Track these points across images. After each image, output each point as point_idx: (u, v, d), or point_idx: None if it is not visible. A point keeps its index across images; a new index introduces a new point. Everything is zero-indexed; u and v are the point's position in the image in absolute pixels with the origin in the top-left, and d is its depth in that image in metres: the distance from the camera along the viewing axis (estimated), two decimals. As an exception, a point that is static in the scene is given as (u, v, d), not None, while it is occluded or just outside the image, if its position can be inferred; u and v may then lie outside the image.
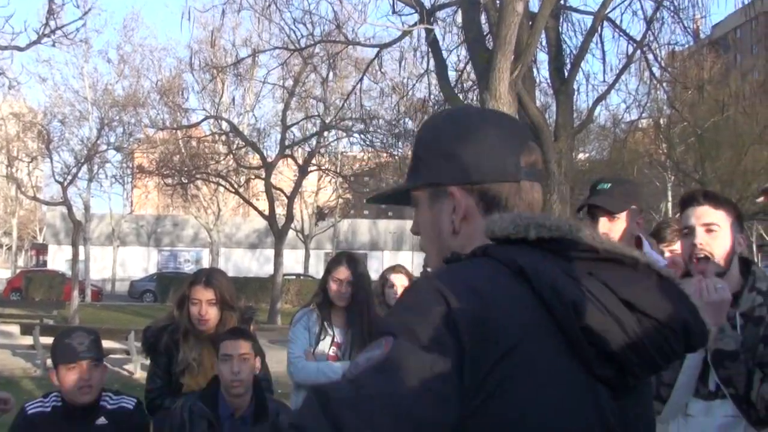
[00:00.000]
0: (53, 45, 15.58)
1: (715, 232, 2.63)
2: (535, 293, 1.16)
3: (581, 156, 30.55)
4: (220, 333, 3.71)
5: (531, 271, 1.17)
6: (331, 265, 4.36)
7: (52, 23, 13.92)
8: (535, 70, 12.54)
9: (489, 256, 1.22)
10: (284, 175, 35.02)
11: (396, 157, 26.37)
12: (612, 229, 3.07)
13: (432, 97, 15.70)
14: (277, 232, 26.11)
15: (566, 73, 11.61)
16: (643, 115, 20.95)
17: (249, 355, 3.47)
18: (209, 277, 3.94)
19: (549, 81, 12.81)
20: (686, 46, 16.42)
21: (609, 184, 3.18)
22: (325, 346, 4.29)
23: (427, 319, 1.13)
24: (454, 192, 1.33)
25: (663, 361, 1.19)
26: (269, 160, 26.27)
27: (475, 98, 14.12)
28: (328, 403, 1.09)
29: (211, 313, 3.85)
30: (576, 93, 13.03)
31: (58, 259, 49.04)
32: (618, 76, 13.57)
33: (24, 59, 44.11)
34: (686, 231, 2.70)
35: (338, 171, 32.66)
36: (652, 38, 13.81)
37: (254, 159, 29.01)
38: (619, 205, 3.10)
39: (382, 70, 18.46)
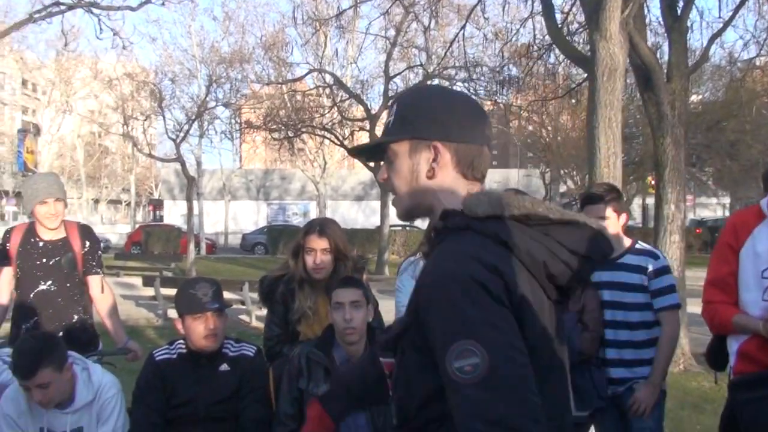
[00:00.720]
0: (162, 4, 16.02)
1: None
2: (514, 254, 1.62)
3: (693, 98, 29.25)
4: (334, 281, 3.77)
5: (511, 243, 1.62)
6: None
7: (160, -17, 14.27)
8: (645, 9, 11.97)
9: (473, 231, 1.64)
10: (388, 126, 34.93)
11: (500, 105, 25.95)
12: None
13: (536, 41, 15.27)
14: (382, 184, 26.20)
15: (679, 10, 11.04)
16: (762, 52, 19.74)
17: (361, 302, 3.50)
18: (323, 226, 3.99)
19: (661, 19, 12.24)
20: (810, -25, 15.36)
21: None
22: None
23: (485, 308, 1.53)
24: (437, 145, 1.71)
25: (588, 280, 1.85)
26: (373, 111, 26.27)
27: (582, 41, 13.68)
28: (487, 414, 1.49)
29: (326, 262, 3.92)
30: (689, 31, 12.40)
31: (174, 213, 50.88)
32: (735, 11, 12.73)
33: (135, 19, 45.58)
34: None
35: (442, 120, 32.33)
36: (772, -31, 12.97)
37: (358, 111, 29.11)
38: None
39: (485, 15, 18.05)
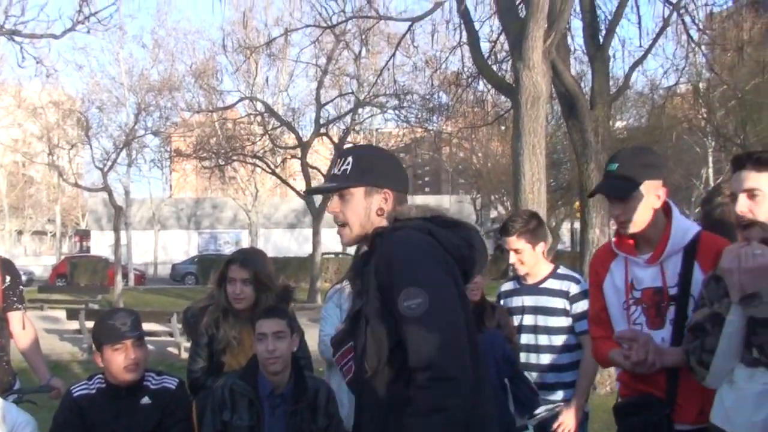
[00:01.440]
0: (88, 32, 15.66)
1: (758, 197, 2.56)
2: (438, 241, 2.33)
3: (619, 124, 30.05)
4: (258, 312, 3.74)
5: (435, 232, 2.35)
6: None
7: (86, 10, 14.02)
8: (569, 38, 12.29)
9: (410, 228, 2.34)
10: (320, 153, 34.95)
11: (431, 132, 26.22)
12: (626, 209, 2.97)
13: (465, 69, 15.51)
14: (314, 212, 26.18)
15: (601, 39, 11.37)
16: (681, 79, 20.36)
17: (284, 333, 3.50)
18: (245, 256, 3.99)
19: (584, 48, 12.58)
20: (725, 6, 15.99)
21: (616, 165, 3.02)
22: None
23: (433, 263, 2.27)
24: (389, 192, 2.44)
25: (480, 268, 2.51)
26: (305, 139, 26.25)
27: (508, 69, 13.95)
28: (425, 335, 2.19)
29: (246, 292, 3.90)
30: (612, 59, 12.77)
31: (101, 244, 49.72)
32: (654, 40, 13.16)
33: (60, 47, 44.76)
34: (732, 197, 2.63)
35: (374, 148, 32.46)
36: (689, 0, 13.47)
37: (290, 139, 29.01)
38: (624, 189, 2.97)
39: (415, 44, 18.29)
